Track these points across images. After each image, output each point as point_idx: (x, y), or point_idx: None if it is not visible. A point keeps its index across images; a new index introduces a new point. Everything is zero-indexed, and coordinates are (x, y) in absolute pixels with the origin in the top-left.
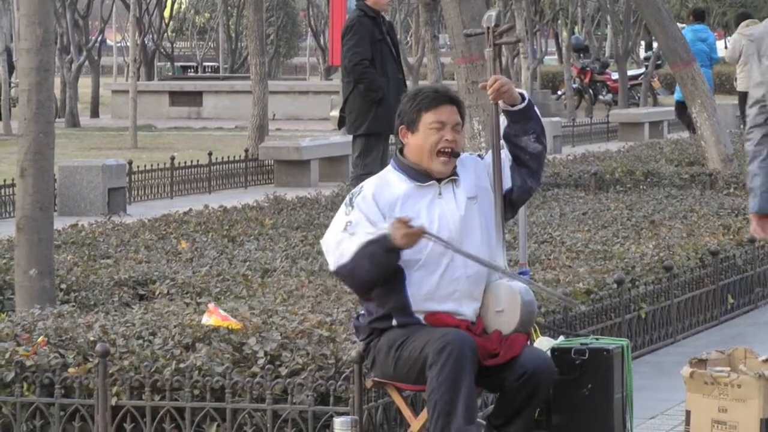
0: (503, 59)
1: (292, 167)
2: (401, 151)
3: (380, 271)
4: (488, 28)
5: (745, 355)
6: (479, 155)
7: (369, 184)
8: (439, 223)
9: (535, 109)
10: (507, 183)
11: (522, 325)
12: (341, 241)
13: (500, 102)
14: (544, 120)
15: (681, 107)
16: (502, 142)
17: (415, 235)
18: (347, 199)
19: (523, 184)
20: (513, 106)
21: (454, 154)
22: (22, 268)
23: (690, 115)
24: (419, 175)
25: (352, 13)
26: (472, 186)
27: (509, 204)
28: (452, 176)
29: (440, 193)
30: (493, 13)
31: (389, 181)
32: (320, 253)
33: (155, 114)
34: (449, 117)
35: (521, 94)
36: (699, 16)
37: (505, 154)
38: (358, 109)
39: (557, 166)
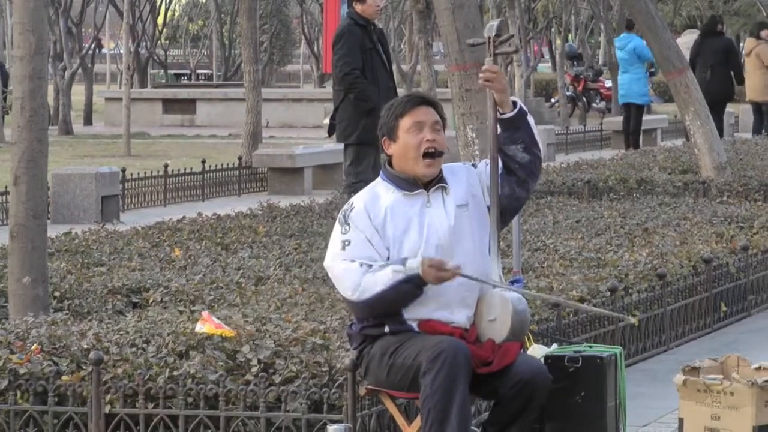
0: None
1: (286, 175)
2: (390, 162)
3: (405, 305)
4: (489, 37)
5: (738, 363)
6: (472, 164)
7: (359, 199)
8: (429, 231)
9: (528, 119)
10: None
11: (514, 334)
12: (352, 271)
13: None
14: (537, 127)
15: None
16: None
17: (450, 277)
18: (340, 216)
19: (511, 192)
20: (503, 113)
21: (438, 154)
22: (16, 276)
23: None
24: (407, 183)
25: (343, 22)
26: (463, 194)
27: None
28: (441, 183)
29: (429, 202)
30: (495, 23)
31: (378, 193)
32: (314, 260)
33: (149, 121)
34: (426, 116)
35: (514, 102)
36: (628, 26)
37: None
38: (348, 118)
39: (550, 173)
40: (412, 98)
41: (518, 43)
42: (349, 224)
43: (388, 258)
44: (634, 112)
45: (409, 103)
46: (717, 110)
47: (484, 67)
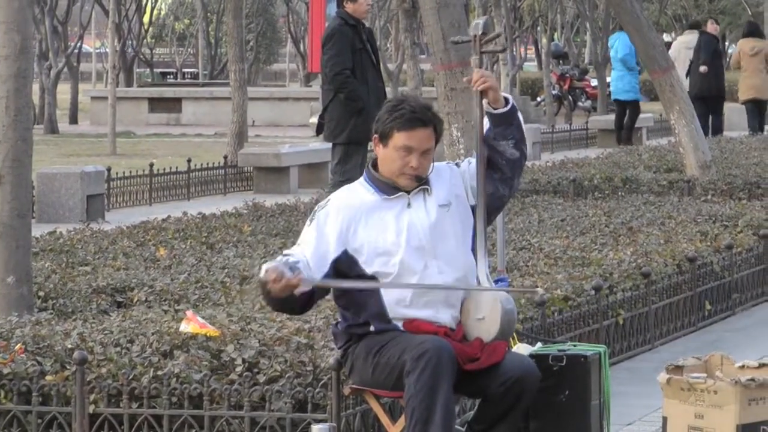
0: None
1: (272, 174)
2: (374, 164)
3: (274, 307)
4: (475, 36)
5: (721, 362)
6: (456, 163)
7: (337, 196)
8: (408, 232)
9: (519, 115)
10: None
11: (502, 334)
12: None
13: (484, 103)
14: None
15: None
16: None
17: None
18: (313, 211)
19: (495, 191)
20: (496, 108)
21: (418, 179)
22: (0, 276)
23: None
24: (388, 188)
25: (333, 21)
26: (446, 194)
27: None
28: (423, 186)
29: (409, 204)
30: (480, 21)
31: (358, 193)
32: None
33: (134, 120)
34: (419, 143)
35: (506, 99)
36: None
37: None
38: (338, 117)
39: (536, 172)
40: (416, 116)
41: (504, 42)
42: (313, 219)
43: (338, 258)
44: (631, 109)
45: (409, 122)
46: (709, 107)
47: (473, 75)
